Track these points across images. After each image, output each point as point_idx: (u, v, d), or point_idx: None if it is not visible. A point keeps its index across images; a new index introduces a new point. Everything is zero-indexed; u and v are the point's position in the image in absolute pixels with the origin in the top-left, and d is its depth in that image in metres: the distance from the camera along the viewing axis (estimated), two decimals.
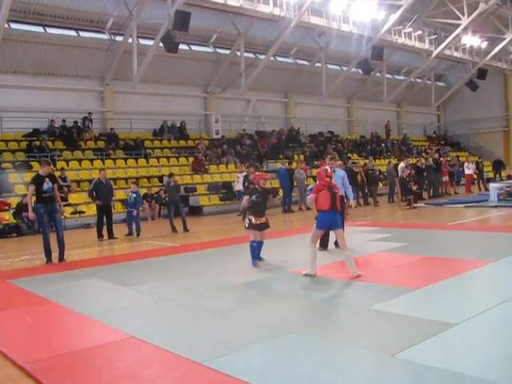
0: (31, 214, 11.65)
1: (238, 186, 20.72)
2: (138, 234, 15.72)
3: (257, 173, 11.76)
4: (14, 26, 22.53)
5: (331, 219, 8.47)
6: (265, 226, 9.72)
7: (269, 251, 10.17)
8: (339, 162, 20.42)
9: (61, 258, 11.74)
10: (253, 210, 9.69)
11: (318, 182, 8.90)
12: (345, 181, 11.07)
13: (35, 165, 21.23)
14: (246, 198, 9.86)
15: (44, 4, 22.86)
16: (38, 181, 11.50)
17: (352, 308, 6.72)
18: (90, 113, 24.70)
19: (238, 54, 28.68)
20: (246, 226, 9.80)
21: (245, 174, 19.51)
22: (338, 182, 10.72)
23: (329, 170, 9.07)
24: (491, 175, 30.12)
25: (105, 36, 25.55)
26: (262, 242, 9.79)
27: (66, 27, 24.35)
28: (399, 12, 29.69)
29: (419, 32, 33.83)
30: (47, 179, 11.54)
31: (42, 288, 8.56)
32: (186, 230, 16.29)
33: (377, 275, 8.43)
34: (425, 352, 4.95)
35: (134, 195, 16.09)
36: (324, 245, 10.90)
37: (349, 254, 8.50)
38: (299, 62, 33.41)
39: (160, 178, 23.13)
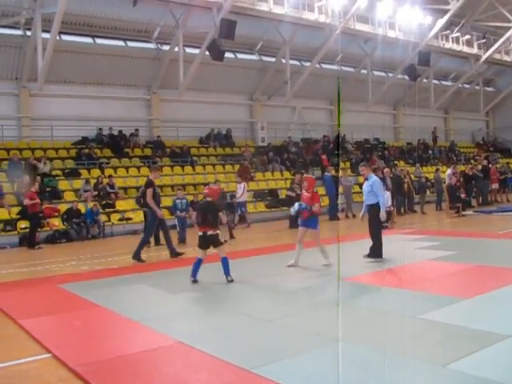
0: (160, 212, 12.74)
1: (242, 198, 19.38)
2: (183, 241, 15.79)
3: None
4: (64, 37, 23.12)
5: None
6: None
7: (316, 258, 10.12)
8: (386, 169, 20.47)
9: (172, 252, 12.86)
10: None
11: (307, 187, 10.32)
12: (375, 189, 10.62)
13: (84, 172, 21.72)
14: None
15: (93, 16, 23.39)
16: (153, 184, 12.81)
17: (400, 317, 6.61)
18: (136, 129, 25.19)
19: (284, 61, 28.68)
20: (225, 240, 9.71)
21: (243, 184, 19.36)
22: (367, 190, 10.65)
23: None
24: None
25: (152, 45, 25.94)
26: None
27: (115, 37, 24.85)
28: (446, 16, 29.27)
29: (467, 36, 33.25)
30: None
31: (91, 293, 8.71)
32: (231, 237, 16.33)
33: (425, 284, 8.28)
34: (477, 363, 4.83)
35: (185, 201, 16.21)
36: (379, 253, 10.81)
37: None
38: (345, 68, 33.22)
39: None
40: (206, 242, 9.23)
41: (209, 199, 9.40)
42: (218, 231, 9.14)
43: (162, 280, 9.83)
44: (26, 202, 16.78)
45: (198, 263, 9.34)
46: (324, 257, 10.16)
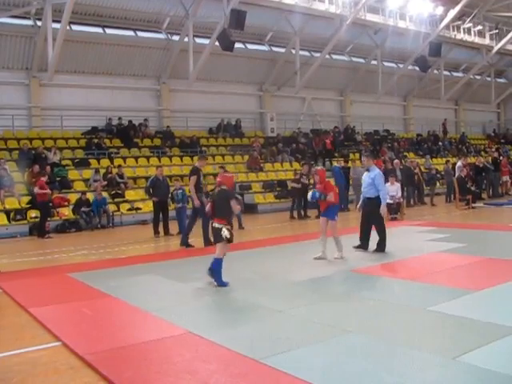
0: (197, 202, 12.48)
1: None
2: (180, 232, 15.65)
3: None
4: (74, 27, 23.17)
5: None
6: None
7: (328, 249, 10.10)
8: (396, 161, 20.40)
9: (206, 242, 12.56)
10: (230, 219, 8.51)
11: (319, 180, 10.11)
12: (376, 182, 10.54)
13: (94, 162, 21.78)
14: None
15: (103, 6, 23.41)
16: (198, 172, 12.76)
17: (410, 309, 6.59)
18: (145, 119, 25.22)
19: (293, 52, 28.60)
20: (228, 237, 8.08)
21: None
22: (368, 182, 10.54)
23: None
24: None
25: (161, 35, 25.93)
26: None
27: (124, 28, 24.88)
28: (458, 7, 29.06)
29: (479, 27, 32.99)
30: (201, 172, 12.94)
31: (101, 282, 8.74)
32: (241, 227, 16.34)
33: (435, 276, 8.25)
34: (487, 356, 4.81)
35: (181, 191, 15.92)
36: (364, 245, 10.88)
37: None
38: (355, 59, 33.07)
39: (215, 176, 23.23)
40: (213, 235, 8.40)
41: (223, 187, 8.44)
42: (222, 225, 8.06)
43: (172, 270, 9.85)
44: (36, 190, 16.84)
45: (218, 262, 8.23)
46: (338, 249, 10.05)
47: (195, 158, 24.23)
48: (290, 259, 10.45)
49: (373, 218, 10.60)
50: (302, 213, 19.23)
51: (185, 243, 13.02)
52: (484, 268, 8.84)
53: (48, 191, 17.08)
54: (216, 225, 8.13)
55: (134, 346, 5.54)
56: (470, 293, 7.04)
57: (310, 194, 10.24)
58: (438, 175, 26.16)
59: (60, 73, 22.69)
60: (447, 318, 6.02)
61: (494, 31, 33.91)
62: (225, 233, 8.00)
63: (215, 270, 8.12)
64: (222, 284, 8.08)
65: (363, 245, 10.82)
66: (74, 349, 5.51)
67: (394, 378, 4.42)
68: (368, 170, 10.81)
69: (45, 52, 21.49)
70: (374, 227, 10.80)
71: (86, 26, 23.76)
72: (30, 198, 18.16)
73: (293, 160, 26.77)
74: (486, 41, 33.85)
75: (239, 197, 9.91)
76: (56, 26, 20.66)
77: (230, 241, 8.13)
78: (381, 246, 10.56)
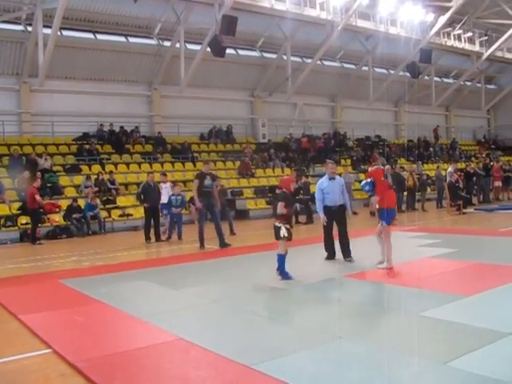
0: (199, 204, 13.22)
1: (164, 199, 16.28)
2: (179, 238, 15.78)
3: (285, 177, 11.41)
4: (65, 33, 23.12)
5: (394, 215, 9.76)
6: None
7: (320, 254, 10.09)
8: (387, 166, 20.43)
9: (222, 243, 13.37)
10: (290, 219, 9.14)
11: (375, 181, 9.61)
12: (344, 189, 10.65)
13: (85, 168, 21.71)
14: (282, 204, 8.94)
15: (94, 11, 23.40)
16: (201, 177, 13.40)
17: (402, 314, 6.59)
18: (136, 126, 25.22)
19: (285, 58, 28.66)
20: (286, 235, 8.71)
21: (168, 184, 16.88)
22: (339, 190, 10.51)
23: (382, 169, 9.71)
24: None
25: (153, 41, 25.94)
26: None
27: (116, 33, 24.88)
28: (448, 14, 29.23)
29: (469, 34, 33.19)
30: (208, 176, 13.42)
31: (92, 289, 8.69)
32: (232, 233, 16.31)
33: (427, 281, 8.26)
34: (478, 361, 4.82)
35: (180, 197, 16.09)
36: (333, 255, 10.70)
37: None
38: (346, 65, 33.19)
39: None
40: (274, 233, 8.91)
41: (283, 190, 9.18)
42: (281, 224, 8.73)
43: (163, 276, 9.81)
44: (38, 198, 16.75)
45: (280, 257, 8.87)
46: (381, 254, 9.70)
47: (187, 164, 24.35)
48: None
49: (344, 225, 10.57)
50: (293, 218, 19.21)
51: (222, 244, 13.46)
52: (475, 273, 8.87)
53: (39, 199, 16.95)
54: (276, 224, 8.82)
55: (124, 353, 5.52)
56: (462, 298, 7.05)
57: (363, 181, 10.14)
58: (429, 181, 26.27)
59: (51, 78, 22.62)
60: (439, 323, 6.03)
61: (484, 38, 34.13)
62: (283, 231, 8.67)
63: (279, 264, 8.82)
64: (285, 277, 8.70)
65: (332, 254, 10.70)
66: (65, 356, 5.48)
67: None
68: (334, 179, 10.65)
69: (35, 57, 21.43)
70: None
71: (77, 32, 23.69)
72: (20, 204, 18.07)
73: (284, 166, 26.79)
74: (476, 47, 34.05)
75: (296, 206, 10.09)
76: (47, 31, 20.64)
77: (288, 239, 8.74)
78: (348, 251, 10.53)
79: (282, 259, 8.80)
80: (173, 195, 16.10)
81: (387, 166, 20.05)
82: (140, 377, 4.87)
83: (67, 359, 5.38)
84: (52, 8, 20.30)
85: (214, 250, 13.24)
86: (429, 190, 25.36)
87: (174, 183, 17.75)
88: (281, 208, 8.77)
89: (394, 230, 11.48)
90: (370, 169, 11.26)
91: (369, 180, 9.76)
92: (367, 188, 9.71)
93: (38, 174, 19.03)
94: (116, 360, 5.33)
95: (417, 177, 23.61)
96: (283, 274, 8.75)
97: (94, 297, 8.15)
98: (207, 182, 13.40)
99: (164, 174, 17.70)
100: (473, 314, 6.44)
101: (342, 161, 28.59)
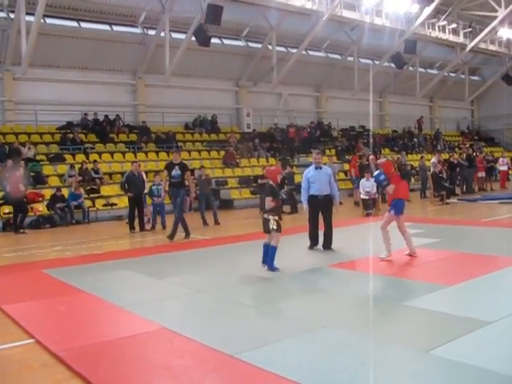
0: (164, 194, 14.60)
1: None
2: (163, 227, 15.75)
3: (272, 168, 11.01)
4: (49, 20, 22.83)
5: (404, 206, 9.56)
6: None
7: (305, 244, 10.12)
8: (371, 156, 20.51)
9: (170, 236, 13.16)
10: (278, 210, 8.94)
11: (386, 172, 9.37)
12: (331, 179, 10.63)
13: (69, 157, 21.56)
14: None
15: None
16: (169, 167, 13.69)
17: (385, 303, 6.66)
18: (117, 115, 25.03)
19: (270, 47, 28.59)
20: (275, 227, 8.56)
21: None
22: (325, 180, 10.53)
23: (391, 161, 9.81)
24: None
25: (137, 30, 25.72)
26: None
27: (100, 22, 24.58)
28: (433, 5, 29.32)
29: (454, 25, 33.28)
30: (177, 167, 13.47)
31: (76, 278, 8.66)
32: (216, 223, 16.33)
33: (410, 271, 8.35)
34: (460, 349, 4.88)
35: (161, 187, 15.97)
36: (316, 243, 10.74)
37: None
38: (331, 56, 33.17)
39: (191, 171, 23.17)
40: (263, 225, 8.78)
41: (269, 182, 8.94)
42: (269, 216, 8.56)
43: (147, 266, 9.79)
44: (21, 186, 16.61)
45: (264, 248, 8.87)
46: (385, 247, 9.44)
47: (171, 153, 24.23)
48: None
49: (329, 215, 10.57)
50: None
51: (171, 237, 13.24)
52: (457, 263, 8.95)
53: (22, 188, 16.78)
54: (265, 216, 8.67)
55: (108, 343, 5.51)
56: (444, 287, 7.12)
57: (376, 172, 9.85)
58: (413, 171, 26.42)
59: (34, 66, 22.33)
60: (421, 312, 6.09)
61: (468, 29, 34.26)
62: (271, 224, 8.55)
63: (270, 256, 8.69)
64: (273, 269, 8.60)
65: (315, 242, 10.75)
66: (48, 346, 5.46)
67: (369, 371, 4.46)
68: (320, 168, 10.64)
69: (18, 45, 21.11)
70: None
71: (61, 20, 23.39)
72: (2, 193, 17.89)
73: (269, 156, 26.79)
74: (460, 39, 34.15)
75: (282, 195, 9.96)
76: (30, 18, 20.32)
77: (277, 231, 8.58)
78: (330, 242, 10.57)
79: (273, 252, 8.67)
80: (154, 185, 16.06)
81: (371, 156, 20.13)
82: (123, 366, 4.88)
83: (50, 349, 5.37)
84: None
85: (197, 240, 13.23)
86: (413, 180, 25.50)
87: (157, 172, 17.66)
88: (268, 203, 8.65)
89: (378, 219, 11.56)
90: (378, 161, 11.34)
91: (380, 172, 9.52)
92: (382, 177, 9.39)
93: (22, 162, 18.86)
94: (99, 349, 5.32)
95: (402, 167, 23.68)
96: (272, 266, 8.65)
97: (78, 286, 8.12)
98: (175, 172, 13.46)
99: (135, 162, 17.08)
100: (455, 303, 6.52)
101: (327, 151, 28.62)
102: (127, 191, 15.82)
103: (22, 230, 16.31)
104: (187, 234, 13.45)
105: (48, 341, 5.60)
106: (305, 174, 10.66)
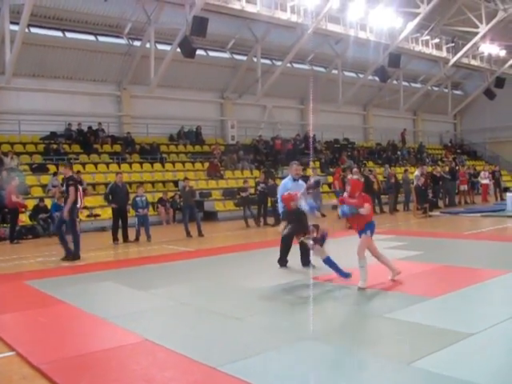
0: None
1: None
2: (148, 238, 15.69)
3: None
4: (33, 30, 22.78)
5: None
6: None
7: (294, 257, 10.05)
8: (355, 169, 20.61)
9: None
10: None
11: (350, 192, 8.34)
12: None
13: (52, 168, 21.42)
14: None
15: (63, 9, 23.07)
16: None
17: (368, 316, 6.68)
18: (99, 123, 24.93)
19: (255, 60, 28.73)
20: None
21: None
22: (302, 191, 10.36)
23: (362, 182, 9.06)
24: (508, 184, 29.84)
25: (123, 41, 25.74)
26: None
27: (85, 32, 24.57)
28: (417, 20, 29.66)
29: (436, 40, 33.73)
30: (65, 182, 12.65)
31: (58, 290, 8.59)
32: (200, 234, 16.30)
33: (392, 283, 8.36)
34: (441, 361, 4.90)
35: (144, 198, 16.08)
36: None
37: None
38: (316, 68, 33.38)
39: (175, 183, 23.20)
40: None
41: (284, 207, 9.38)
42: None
43: (130, 277, 9.74)
44: (14, 197, 16.53)
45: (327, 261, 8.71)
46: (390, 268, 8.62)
47: (155, 164, 24.24)
48: (249, 267, 10.47)
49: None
50: (262, 220, 19.35)
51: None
52: (439, 275, 9.00)
53: (15, 199, 16.73)
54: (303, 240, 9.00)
55: (90, 355, 5.47)
56: (426, 300, 7.16)
57: (339, 210, 8.70)
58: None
59: (18, 76, 22.25)
60: (403, 325, 6.12)
61: (451, 44, 34.71)
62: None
63: (333, 268, 8.65)
64: (345, 275, 8.56)
65: (285, 260, 10.33)
66: (28, 358, 5.40)
67: None
68: (297, 180, 10.48)
69: (2, 54, 21.00)
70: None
71: (46, 29, 23.36)
72: None
73: (253, 168, 26.83)
74: (443, 53, 34.60)
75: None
76: (14, 27, 20.25)
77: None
78: (309, 261, 9.82)
79: (329, 262, 8.60)
80: (137, 196, 16.05)
81: (355, 169, 20.22)
82: (105, 378, 4.84)
83: (30, 361, 5.31)
84: (19, 4, 19.98)
85: (181, 252, 13.19)
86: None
87: (141, 183, 17.61)
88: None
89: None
90: (349, 176, 11.07)
91: (343, 206, 8.45)
92: (345, 208, 8.36)
93: (4, 172, 18.73)
94: (81, 362, 5.28)
95: (384, 180, 23.83)
96: (342, 273, 8.56)
97: (60, 298, 8.05)
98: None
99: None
100: (436, 315, 6.55)
101: (311, 163, 28.69)
102: (111, 202, 15.76)
103: (16, 241, 16.34)
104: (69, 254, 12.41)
105: (29, 353, 5.54)
106: (284, 184, 10.51)
